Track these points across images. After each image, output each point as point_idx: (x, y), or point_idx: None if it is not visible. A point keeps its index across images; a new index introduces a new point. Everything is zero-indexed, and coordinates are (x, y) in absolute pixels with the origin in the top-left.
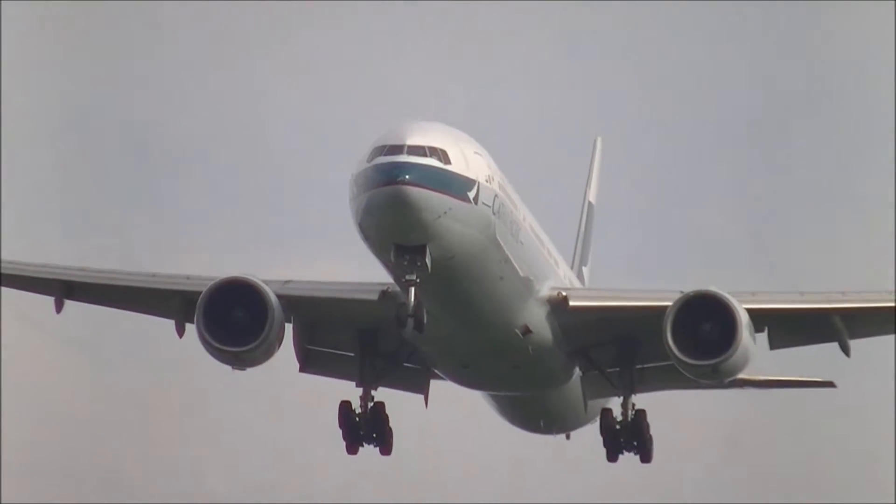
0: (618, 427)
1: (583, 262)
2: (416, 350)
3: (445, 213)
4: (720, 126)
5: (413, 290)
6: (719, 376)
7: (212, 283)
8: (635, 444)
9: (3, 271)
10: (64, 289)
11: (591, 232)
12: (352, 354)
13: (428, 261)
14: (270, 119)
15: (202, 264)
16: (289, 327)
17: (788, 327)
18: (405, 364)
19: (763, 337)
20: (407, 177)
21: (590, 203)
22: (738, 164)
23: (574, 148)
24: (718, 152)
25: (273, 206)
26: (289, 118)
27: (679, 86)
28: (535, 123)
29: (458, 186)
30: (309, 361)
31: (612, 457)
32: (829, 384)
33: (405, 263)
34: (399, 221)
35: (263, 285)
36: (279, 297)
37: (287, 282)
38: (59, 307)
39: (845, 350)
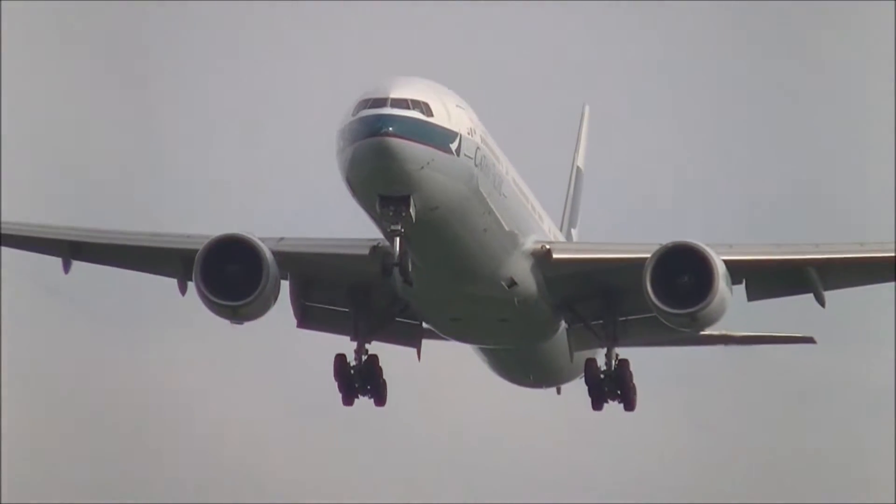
0: (602, 376)
1: (571, 224)
2: (408, 305)
3: (428, 163)
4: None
5: (398, 239)
6: (697, 325)
7: (209, 240)
8: (619, 392)
9: (7, 232)
10: (71, 249)
11: (579, 195)
12: (346, 310)
13: (412, 211)
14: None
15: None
16: (286, 284)
17: (765, 279)
18: (398, 319)
19: (741, 290)
20: (390, 128)
21: (578, 168)
22: (728, 125)
23: (563, 114)
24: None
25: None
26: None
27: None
28: (525, 89)
29: (440, 138)
30: (306, 317)
31: (596, 405)
32: (810, 340)
33: (390, 214)
34: (383, 172)
35: (258, 242)
36: (274, 253)
37: (281, 239)
38: (66, 268)
39: (820, 301)
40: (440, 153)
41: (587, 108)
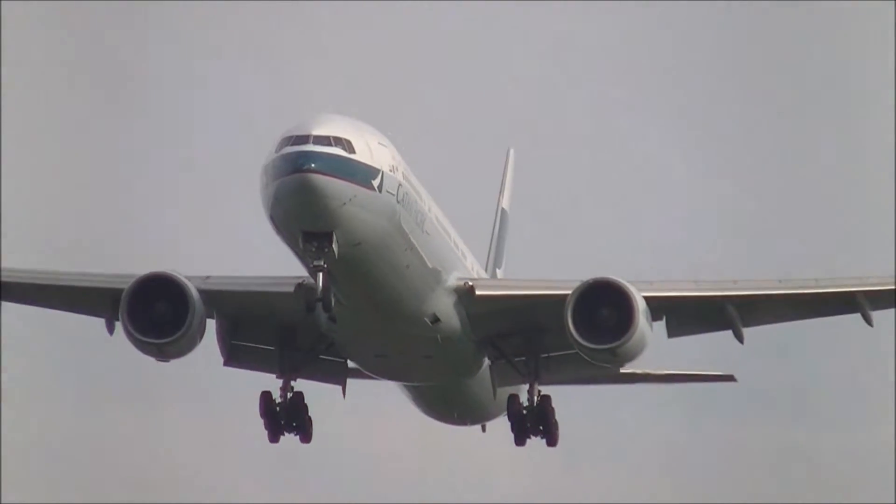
0: (525, 412)
1: (497, 264)
2: (333, 343)
3: (350, 199)
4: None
5: (321, 275)
6: (618, 360)
7: (135, 279)
8: (541, 427)
9: None
10: None
11: (504, 236)
12: (272, 348)
13: (335, 247)
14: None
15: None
16: (213, 323)
17: (685, 315)
18: (322, 357)
19: (662, 327)
20: (312, 165)
21: (503, 209)
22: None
23: (488, 156)
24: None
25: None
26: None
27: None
28: (450, 129)
29: (362, 175)
30: (232, 356)
31: (519, 441)
32: (730, 378)
33: (313, 250)
34: (305, 208)
35: (184, 280)
36: (200, 291)
37: (207, 277)
38: None
39: (739, 338)
40: (362, 189)
41: (512, 152)
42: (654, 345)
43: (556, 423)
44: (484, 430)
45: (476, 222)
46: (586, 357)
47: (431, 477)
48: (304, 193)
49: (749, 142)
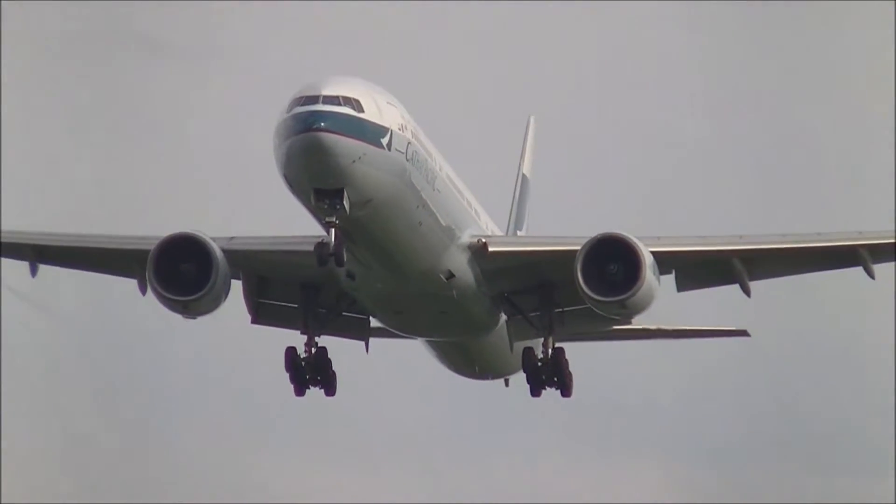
0: (539, 364)
1: (518, 226)
2: (355, 301)
3: (360, 157)
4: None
5: (334, 230)
6: (627, 312)
7: (161, 239)
8: (555, 379)
9: None
10: (35, 253)
11: (525, 201)
12: (296, 306)
13: (346, 203)
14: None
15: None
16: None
17: (692, 270)
18: (345, 314)
19: (671, 281)
20: (322, 124)
21: (524, 175)
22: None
23: (510, 123)
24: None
25: None
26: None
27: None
28: (472, 97)
29: (371, 133)
30: (259, 314)
31: (535, 392)
32: (743, 333)
33: (325, 207)
34: (316, 166)
35: (209, 240)
36: (225, 251)
37: (232, 238)
38: (33, 271)
39: (746, 291)
40: (371, 148)
41: (532, 119)
42: (666, 301)
43: (570, 375)
44: (507, 384)
45: (498, 187)
46: (597, 310)
47: (451, 428)
48: (314, 152)
49: (759, 104)
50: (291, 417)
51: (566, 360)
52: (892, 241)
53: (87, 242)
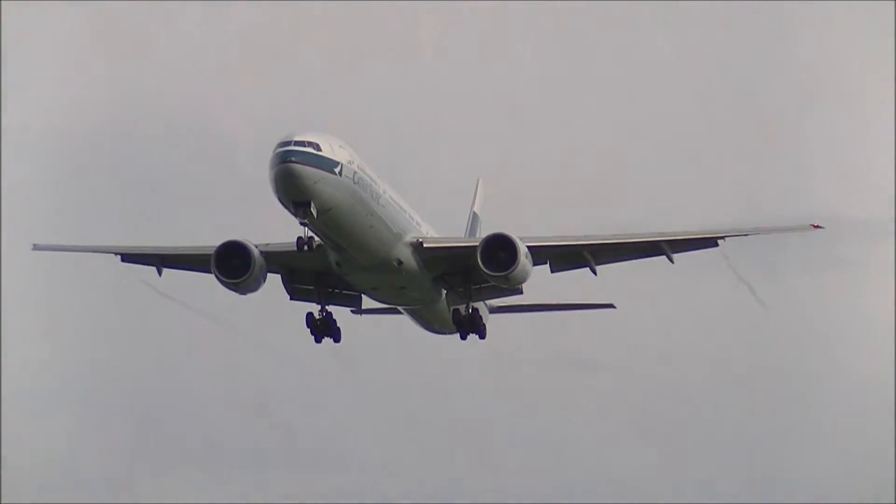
0: (463, 318)
1: (472, 233)
2: (349, 283)
3: (319, 180)
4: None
5: (306, 227)
6: (511, 282)
7: (220, 244)
8: (474, 328)
9: (119, 253)
10: (159, 259)
11: (477, 225)
12: (311, 287)
13: (314, 210)
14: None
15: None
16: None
17: (558, 257)
18: (344, 291)
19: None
20: (292, 158)
21: (474, 212)
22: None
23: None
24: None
25: None
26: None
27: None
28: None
29: (327, 164)
30: (293, 293)
31: (463, 336)
32: (610, 305)
33: (300, 213)
34: (290, 187)
35: (250, 245)
36: (261, 252)
37: (267, 244)
38: (160, 272)
39: (593, 271)
40: (327, 174)
41: (481, 181)
42: (552, 280)
43: (484, 326)
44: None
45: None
46: (493, 283)
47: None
48: (286, 177)
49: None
50: (314, 359)
51: (480, 315)
52: (683, 238)
53: (185, 252)
